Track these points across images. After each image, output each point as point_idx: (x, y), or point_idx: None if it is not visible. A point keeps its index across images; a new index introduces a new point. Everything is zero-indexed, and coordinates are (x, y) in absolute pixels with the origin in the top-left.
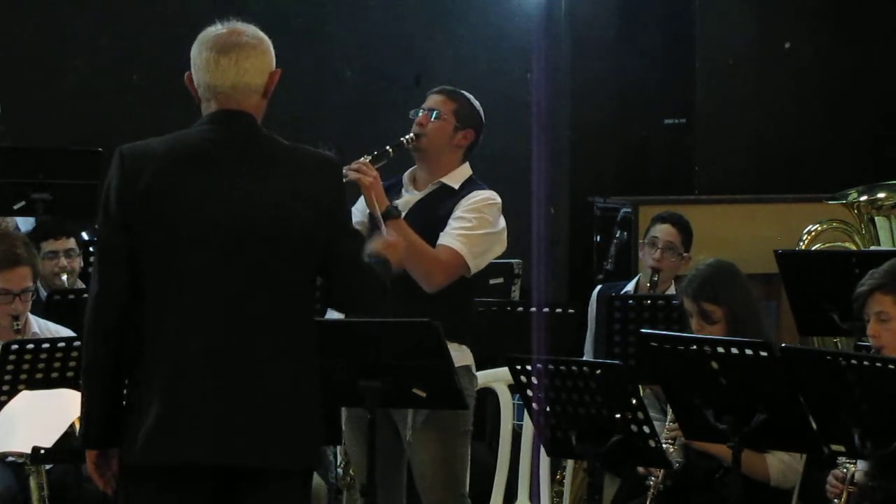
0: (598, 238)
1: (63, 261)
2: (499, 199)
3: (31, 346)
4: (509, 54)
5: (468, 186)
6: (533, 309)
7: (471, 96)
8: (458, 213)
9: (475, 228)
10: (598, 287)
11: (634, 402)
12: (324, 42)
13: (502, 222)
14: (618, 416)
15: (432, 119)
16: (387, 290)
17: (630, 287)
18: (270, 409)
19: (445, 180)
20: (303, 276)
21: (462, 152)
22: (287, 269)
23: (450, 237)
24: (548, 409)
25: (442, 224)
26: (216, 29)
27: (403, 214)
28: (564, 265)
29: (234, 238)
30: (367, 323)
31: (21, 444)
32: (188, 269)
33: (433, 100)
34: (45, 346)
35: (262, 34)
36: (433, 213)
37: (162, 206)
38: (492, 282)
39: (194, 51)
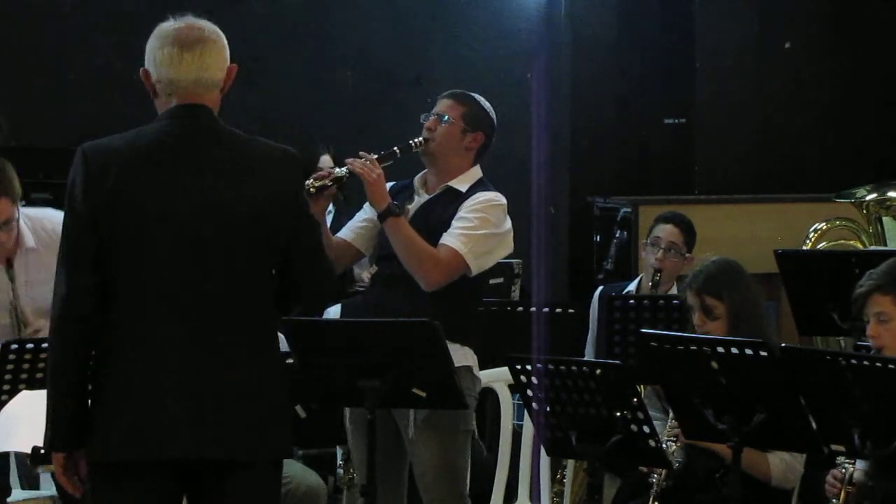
0: (598, 238)
1: None
2: (503, 201)
3: (31, 345)
4: (509, 54)
5: (475, 189)
6: (533, 309)
7: (481, 99)
8: (460, 213)
9: (476, 228)
10: (600, 288)
11: (634, 401)
12: (324, 42)
13: (507, 224)
14: (618, 414)
15: (441, 124)
16: (336, 280)
17: (632, 287)
18: (239, 402)
19: (453, 183)
20: (266, 270)
21: (472, 155)
22: (252, 263)
23: (450, 236)
24: (548, 408)
25: (446, 227)
26: (172, 24)
27: (410, 216)
28: (564, 265)
29: (198, 233)
30: (366, 323)
31: (21, 444)
32: (155, 266)
33: (442, 104)
34: (46, 345)
35: (218, 29)
36: (438, 215)
37: (128, 204)
38: (492, 282)
39: (153, 46)
